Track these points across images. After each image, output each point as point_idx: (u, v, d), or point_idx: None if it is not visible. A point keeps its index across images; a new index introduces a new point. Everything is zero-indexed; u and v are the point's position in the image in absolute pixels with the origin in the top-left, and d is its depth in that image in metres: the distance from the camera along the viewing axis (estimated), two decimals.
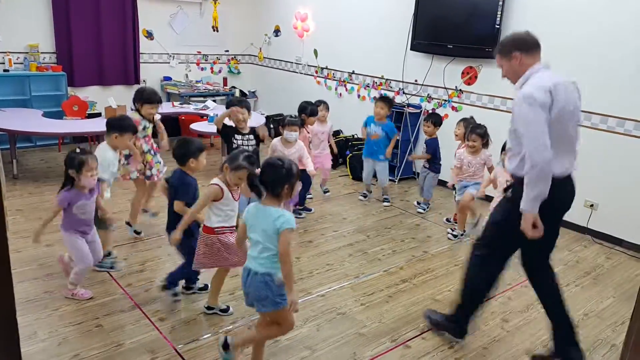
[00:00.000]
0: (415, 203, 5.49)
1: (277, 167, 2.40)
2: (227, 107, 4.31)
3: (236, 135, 4.26)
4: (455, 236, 4.65)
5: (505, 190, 2.86)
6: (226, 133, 4.29)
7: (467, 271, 3.03)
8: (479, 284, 2.99)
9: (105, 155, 3.59)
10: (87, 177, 3.13)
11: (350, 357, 2.94)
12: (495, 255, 2.92)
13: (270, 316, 2.56)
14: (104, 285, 3.53)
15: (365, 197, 5.56)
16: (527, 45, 2.67)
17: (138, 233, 4.29)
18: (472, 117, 4.77)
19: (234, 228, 3.07)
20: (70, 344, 2.89)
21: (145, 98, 4.18)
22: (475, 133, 4.36)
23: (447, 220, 5.07)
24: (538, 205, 2.54)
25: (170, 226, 3.22)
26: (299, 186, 2.49)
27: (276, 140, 4.52)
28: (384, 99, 5.33)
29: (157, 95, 4.25)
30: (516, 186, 2.72)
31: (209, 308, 3.25)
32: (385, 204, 5.44)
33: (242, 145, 4.22)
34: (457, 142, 4.79)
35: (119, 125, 3.69)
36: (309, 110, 5.03)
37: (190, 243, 3.15)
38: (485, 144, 4.42)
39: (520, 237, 2.65)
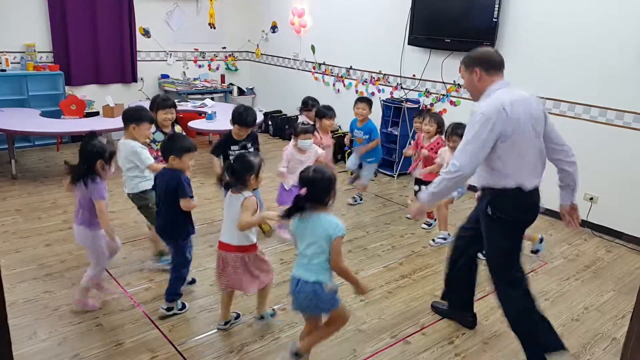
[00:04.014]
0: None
1: (320, 180, 2.44)
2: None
3: (232, 147, 4.04)
4: (437, 240, 4.45)
5: (482, 206, 2.80)
6: (221, 149, 4.06)
7: (504, 307, 2.90)
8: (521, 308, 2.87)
9: (132, 145, 3.52)
10: (113, 166, 3.08)
11: (350, 353, 2.95)
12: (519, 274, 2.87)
13: (329, 315, 2.60)
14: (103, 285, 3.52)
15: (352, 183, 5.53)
16: (490, 64, 2.68)
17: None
18: (434, 113, 4.77)
19: None
20: (70, 344, 2.90)
21: (157, 103, 4.02)
22: (456, 134, 4.17)
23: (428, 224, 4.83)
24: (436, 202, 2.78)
25: (169, 230, 3.16)
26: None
27: (290, 147, 4.29)
28: (364, 99, 5.21)
29: (169, 100, 4.07)
30: (494, 201, 2.73)
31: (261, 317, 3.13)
32: (350, 200, 5.36)
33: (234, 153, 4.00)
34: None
35: (135, 115, 3.58)
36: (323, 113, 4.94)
37: (185, 242, 3.15)
38: None
39: (519, 241, 2.79)
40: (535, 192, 2.72)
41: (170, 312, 3.19)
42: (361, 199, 5.39)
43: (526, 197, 2.68)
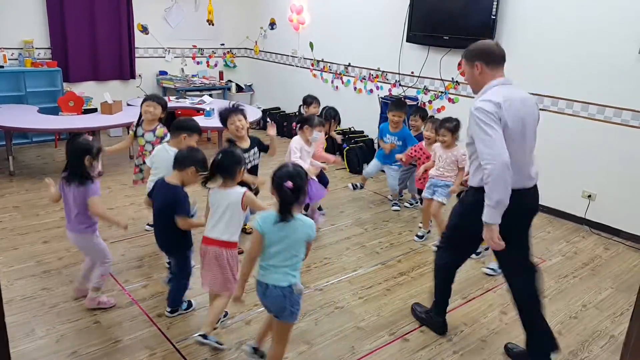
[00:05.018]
0: (390, 197, 5.41)
1: (301, 176, 2.38)
2: (221, 117, 3.79)
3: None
4: (420, 237, 4.46)
5: (458, 195, 2.84)
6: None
7: (434, 267, 3.14)
8: (443, 277, 3.09)
9: (169, 155, 3.29)
10: (100, 162, 3.03)
11: (348, 350, 2.95)
12: (455, 253, 3.01)
13: (281, 326, 2.52)
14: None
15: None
16: (491, 58, 2.63)
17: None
18: (432, 117, 4.69)
19: None
20: (68, 341, 2.89)
21: (143, 99, 4.12)
22: (444, 127, 4.13)
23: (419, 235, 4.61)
24: (499, 216, 2.47)
25: (169, 245, 3.10)
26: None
27: (297, 138, 4.17)
28: (399, 105, 4.96)
29: (158, 97, 4.11)
30: (470, 191, 2.74)
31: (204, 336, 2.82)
32: (395, 207, 5.15)
33: (247, 162, 3.70)
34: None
35: (188, 126, 3.55)
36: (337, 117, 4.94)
37: (187, 253, 3.08)
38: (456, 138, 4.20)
39: (476, 240, 2.77)
40: (520, 193, 2.58)
41: (175, 314, 3.17)
42: (362, 186, 5.43)
43: (514, 198, 2.52)
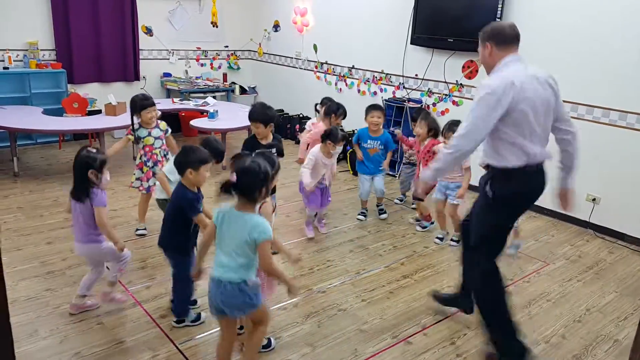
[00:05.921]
0: (397, 200, 5.47)
1: (254, 171, 2.28)
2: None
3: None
4: (441, 239, 4.48)
5: (484, 184, 2.74)
6: (251, 146, 3.72)
7: (465, 273, 3.14)
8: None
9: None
10: (106, 175, 3.00)
11: (351, 353, 2.94)
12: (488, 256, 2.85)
13: (252, 316, 2.50)
14: (104, 283, 3.51)
15: (364, 216, 4.95)
16: (502, 38, 2.62)
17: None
18: (429, 116, 4.65)
19: None
20: (71, 342, 2.90)
21: (139, 105, 4.09)
22: (452, 131, 4.03)
23: (417, 220, 4.85)
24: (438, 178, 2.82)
25: (169, 244, 3.02)
26: (272, 185, 2.43)
27: (316, 150, 4.21)
28: (378, 106, 4.96)
29: (149, 99, 4.15)
30: (495, 179, 2.67)
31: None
32: (383, 216, 4.99)
33: None
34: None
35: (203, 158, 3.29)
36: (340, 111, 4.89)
37: (185, 258, 2.99)
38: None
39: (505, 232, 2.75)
40: (537, 172, 2.66)
41: (181, 325, 3.11)
42: (385, 211, 5.04)
43: (528, 176, 2.62)
